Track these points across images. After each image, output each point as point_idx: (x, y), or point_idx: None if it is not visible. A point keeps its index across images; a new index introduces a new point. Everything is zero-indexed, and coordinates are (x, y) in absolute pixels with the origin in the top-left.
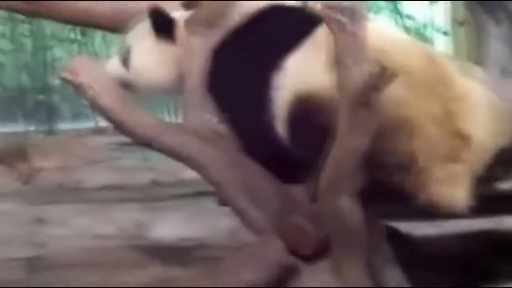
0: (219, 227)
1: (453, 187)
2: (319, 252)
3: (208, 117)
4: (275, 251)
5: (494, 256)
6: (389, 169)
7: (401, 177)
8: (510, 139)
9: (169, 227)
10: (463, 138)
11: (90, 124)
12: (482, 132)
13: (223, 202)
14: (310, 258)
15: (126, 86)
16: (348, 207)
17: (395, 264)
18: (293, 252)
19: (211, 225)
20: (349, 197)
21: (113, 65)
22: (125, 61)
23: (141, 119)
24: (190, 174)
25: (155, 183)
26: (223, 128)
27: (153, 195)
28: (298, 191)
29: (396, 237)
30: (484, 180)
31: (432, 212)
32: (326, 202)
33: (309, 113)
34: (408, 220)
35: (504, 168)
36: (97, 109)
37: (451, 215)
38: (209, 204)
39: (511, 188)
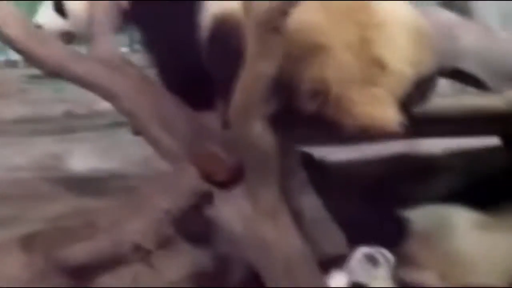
0: (134, 157)
1: (378, 107)
2: (233, 178)
3: (116, 47)
4: (189, 179)
5: (409, 179)
6: (306, 95)
7: (319, 104)
8: (429, 66)
9: (84, 158)
10: (379, 66)
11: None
12: (400, 60)
13: (137, 132)
14: (224, 185)
15: (68, 36)
16: (260, 133)
17: (310, 189)
18: (208, 179)
19: (125, 155)
20: (260, 123)
21: (49, 17)
22: (60, 10)
23: (50, 48)
24: (104, 105)
25: (68, 115)
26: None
27: (67, 127)
28: (211, 118)
29: (310, 163)
30: (403, 105)
31: (364, 136)
32: (238, 127)
33: (225, 34)
34: (323, 145)
35: (422, 94)
36: (4, 39)
37: (384, 136)
38: (124, 134)
39: (425, 111)
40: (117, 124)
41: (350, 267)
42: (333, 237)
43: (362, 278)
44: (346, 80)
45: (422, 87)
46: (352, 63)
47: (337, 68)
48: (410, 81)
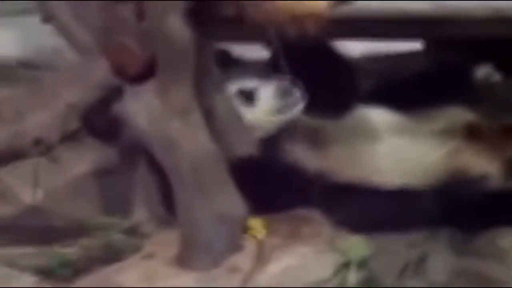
0: (44, 46)
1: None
2: (145, 73)
3: None
4: (99, 72)
5: None
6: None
7: (238, 8)
8: None
9: None
10: None
11: None
12: None
13: (47, 19)
14: (135, 79)
15: None
16: (177, 26)
17: (225, 88)
18: (118, 72)
19: (35, 44)
20: (178, 16)
21: None
22: None
23: None
24: None
25: None
26: None
27: None
28: (125, 9)
29: (227, 60)
30: None
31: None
32: (154, 20)
33: None
34: (241, 42)
35: None
36: None
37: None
38: (34, 22)
39: (349, 12)
40: (27, 11)
41: None
42: (244, 138)
43: None
44: None
45: None
46: None
47: None
48: None
